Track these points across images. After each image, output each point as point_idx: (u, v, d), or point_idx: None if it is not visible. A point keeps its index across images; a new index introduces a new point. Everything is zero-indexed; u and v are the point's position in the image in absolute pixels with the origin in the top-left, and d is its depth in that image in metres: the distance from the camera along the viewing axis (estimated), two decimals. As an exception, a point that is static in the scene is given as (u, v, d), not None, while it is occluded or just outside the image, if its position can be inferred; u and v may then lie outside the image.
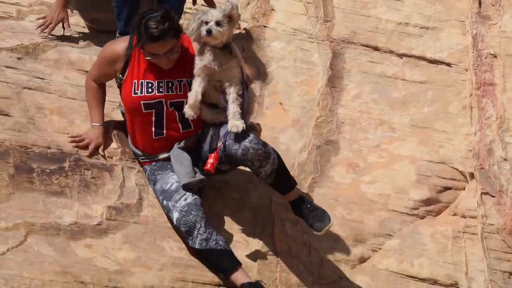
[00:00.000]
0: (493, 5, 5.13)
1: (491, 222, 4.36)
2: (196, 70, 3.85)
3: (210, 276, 3.87)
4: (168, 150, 3.97)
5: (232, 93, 3.80)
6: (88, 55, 4.82)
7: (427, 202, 4.58)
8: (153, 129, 3.93)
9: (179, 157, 3.89)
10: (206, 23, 3.72)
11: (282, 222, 4.28)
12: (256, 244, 4.17)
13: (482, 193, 4.48)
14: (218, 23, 3.69)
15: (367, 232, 4.41)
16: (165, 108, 3.89)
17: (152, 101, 3.89)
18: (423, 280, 4.29)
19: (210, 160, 3.75)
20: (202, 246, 3.72)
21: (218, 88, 3.87)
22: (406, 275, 4.30)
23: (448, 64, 5.13)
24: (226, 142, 3.72)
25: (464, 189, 4.62)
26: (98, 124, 4.09)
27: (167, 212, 3.91)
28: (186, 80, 3.91)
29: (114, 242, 3.86)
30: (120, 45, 4.00)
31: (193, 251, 3.82)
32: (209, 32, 3.69)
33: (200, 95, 3.80)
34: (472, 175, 4.61)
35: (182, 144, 3.94)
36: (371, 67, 5.20)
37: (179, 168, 3.87)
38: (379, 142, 4.82)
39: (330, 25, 5.38)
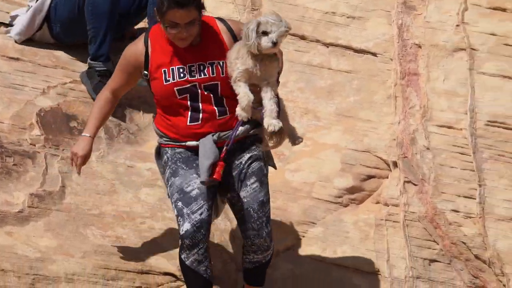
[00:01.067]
0: (418, -4, 5.21)
1: (413, 210, 4.41)
2: (236, 75, 3.63)
3: (133, 264, 3.87)
4: (197, 139, 3.68)
5: (269, 92, 3.60)
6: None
7: (351, 190, 4.61)
8: (189, 113, 3.66)
9: (208, 150, 3.61)
10: (265, 33, 3.55)
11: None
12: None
13: (404, 181, 4.52)
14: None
15: (291, 220, 4.42)
16: (199, 91, 3.65)
17: (186, 86, 3.65)
18: (346, 267, 4.32)
19: (217, 169, 3.54)
20: (193, 266, 3.55)
21: (254, 90, 3.68)
22: (329, 263, 4.32)
23: (374, 54, 5.18)
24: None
25: (387, 177, 4.68)
26: (88, 135, 3.75)
27: (177, 215, 3.60)
28: (217, 62, 3.69)
29: (36, 230, 3.85)
30: (137, 42, 3.77)
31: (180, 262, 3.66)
32: (275, 44, 3.53)
33: (252, 95, 3.58)
34: (395, 164, 4.66)
35: (216, 137, 3.66)
36: (297, 56, 5.22)
37: (205, 162, 3.58)
38: (305, 130, 4.82)
39: (258, 13, 5.38)
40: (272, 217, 4.08)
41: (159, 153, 3.84)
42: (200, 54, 3.66)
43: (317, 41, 5.28)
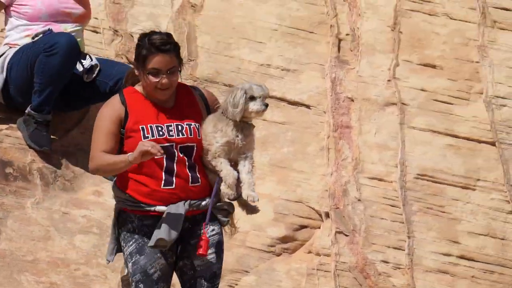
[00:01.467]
0: (351, 50, 5.35)
1: (344, 260, 4.47)
2: (216, 149, 3.59)
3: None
4: (167, 204, 3.53)
5: (247, 165, 3.59)
6: None
7: (284, 239, 4.64)
8: (164, 175, 3.51)
9: (175, 220, 3.52)
10: (253, 98, 3.56)
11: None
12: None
13: (336, 232, 4.59)
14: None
15: (225, 268, 4.40)
16: (176, 152, 3.54)
17: (165, 144, 3.51)
18: (278, 315, 4.34)
19: (202, 244, 3.47)
20: None
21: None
22: (262, 311, 4.33)
23: (308, 106, 5.27)
24: None
25: (319, 227, 4.73)
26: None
27: None
28: (194, 124, 3.61)
29: (-30, 275, 3.77)
30: (113, 102, 3.63)
31: None
32: (267, 106, 3.57)
33: (236, 172, 3.56)
34: (327, 215, 4.72)
35: (187, 205, 3.54)
36: (232, 107, 5.28)
37: (169, 230, 3.49)
38: (238, 181, 4.86)
39: (194, 64, 5.44)
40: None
41: (118, 218, 3.64)
42: (177, 115, 3.59)
43: (253, 92, 5.37)
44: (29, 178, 4.53)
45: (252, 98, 3.53)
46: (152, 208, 3.51)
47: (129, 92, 3.62)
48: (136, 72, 3.56)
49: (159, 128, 3.53)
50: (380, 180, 4.76)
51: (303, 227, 4.70)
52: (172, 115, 3.57)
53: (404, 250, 4.52)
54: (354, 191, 4.74)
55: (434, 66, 5.19)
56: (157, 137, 3.50)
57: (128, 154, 3.47)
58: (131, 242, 3.53)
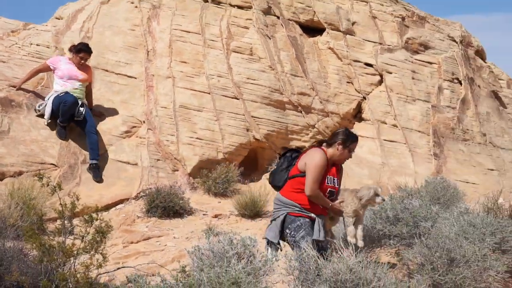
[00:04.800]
0: None
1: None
2: (349, 211, 6.72)
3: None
4: (316, 214, 6.73)
5: (359, 231, 6.89)
6: None
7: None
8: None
9: (321, 223, 6.63)
10: (377, 195, 6.84)
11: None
12: None
13: None
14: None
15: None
16: (334, 193, 6.90)
17: (331, 189, 6.78)
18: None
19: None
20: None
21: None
22: None
23: None
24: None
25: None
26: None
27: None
28: (338, 180, 7.04)
29: None
30: (324, 157, 6.69)
31: None
32: (383, 200, 7.09)
33: (354, 229, 6.86)
34: None
35: (323, 217, 6.81)
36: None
37: (318, 228, 6.51)
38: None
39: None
40: None
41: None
42: (337, 174, 7.01)
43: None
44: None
45: (377, 195, 6.84)
46: (310, 214, 6.73)
47: (325, 157, 6.78)
48: (338, 146, 6.83)
49: (333, 179, 6.85)
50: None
51: None
52: (333, 172, 6.80)
53: None
54: None
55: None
56: (331, 184, 6.81)
57: (331, 203, 6.81)
58: (302, 230, 6.49)
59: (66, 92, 12.78)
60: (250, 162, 16.16)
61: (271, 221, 6.72)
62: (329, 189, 6.74)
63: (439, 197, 11.78)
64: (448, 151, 17.16)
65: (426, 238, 7.38)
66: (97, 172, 13.11)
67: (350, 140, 6.79)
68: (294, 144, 16.45)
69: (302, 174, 6.50)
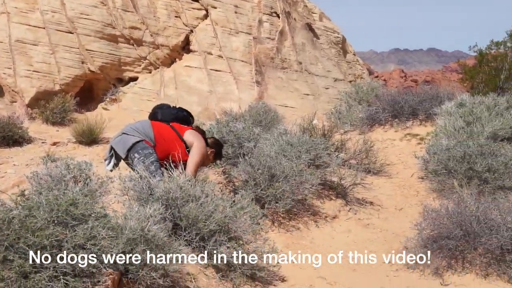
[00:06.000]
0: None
1: None
2: None
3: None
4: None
5: None
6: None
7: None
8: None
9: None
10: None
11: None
12: None
13: None
14: None
15: None
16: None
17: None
18: None
19: None
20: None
21: None
22: None
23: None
24: None
25: None
26: None
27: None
28: None
29: None
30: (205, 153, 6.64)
31: None
32: None
33: None
34: None
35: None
36: None
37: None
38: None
39: None
40: None
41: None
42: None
43: None
44: None
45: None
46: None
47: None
48: (211, 153, 6.78)
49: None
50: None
51: None
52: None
53: None
54: None
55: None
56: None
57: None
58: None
59: None
60: (86, 93, 17.13)
61: (123, 133, 6.61)
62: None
63: (261, 120, 12.36)
64: (268, 79, 18.70)
65: (250, 157, 7.67)
66: None
67: (219, 155, 7.03)
68: (127, 75, 17.61)
69: (182, 139, 6.61)
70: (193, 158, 6.47)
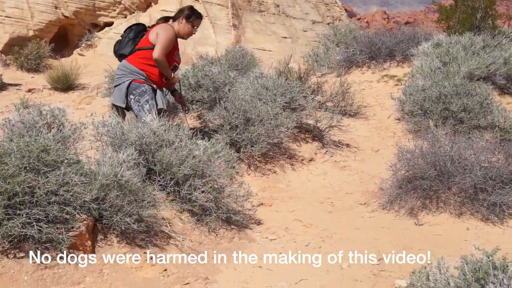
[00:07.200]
0: None
1: None
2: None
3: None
4: (157, 86, 6.60)
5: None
6: None
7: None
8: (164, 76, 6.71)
9: (161, 94, 6.64)
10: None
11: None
12: None
13: None
14: None
15: None
16: (177, 68, 6.91)
17: (176, 65, 6.77)
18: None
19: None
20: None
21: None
22: None
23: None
24: None
25: None
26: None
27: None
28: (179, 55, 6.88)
29: None
30: (174, 31, 6.54)
31: None
32: None
33: None
34: None
35: (162, 89, 6.80)
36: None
37: (160, 98, 6.53)
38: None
39: None
40: None
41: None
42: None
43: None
44: None
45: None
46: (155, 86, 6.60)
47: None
48: (182, 20, 6.58)
49: (178, 54, 6.71)
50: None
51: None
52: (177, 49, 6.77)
53: None
54: None
55: None
56: (178, 59, 6.72)
57: (173, 74, 6.72)
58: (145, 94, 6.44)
59: None
60: (61, 39, 16.91)
61: (115, 87, 6.71)
62: (174, 63, 6.74)
63: (237, 64, 12.37)
64: (246, 22, 18.61)
65: (225, 101, 7.71)
66: None
67: (193, 16, 6.74)
68: (102, 20, 17.38)
69: (152, 47, 6.57)
70: (158, 44, 6.51)
